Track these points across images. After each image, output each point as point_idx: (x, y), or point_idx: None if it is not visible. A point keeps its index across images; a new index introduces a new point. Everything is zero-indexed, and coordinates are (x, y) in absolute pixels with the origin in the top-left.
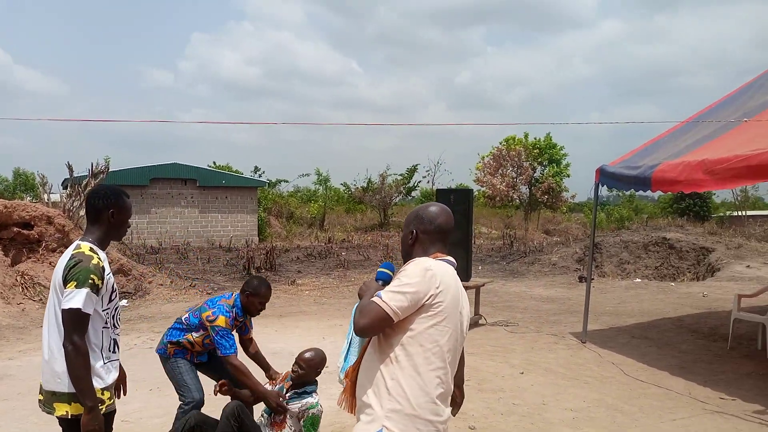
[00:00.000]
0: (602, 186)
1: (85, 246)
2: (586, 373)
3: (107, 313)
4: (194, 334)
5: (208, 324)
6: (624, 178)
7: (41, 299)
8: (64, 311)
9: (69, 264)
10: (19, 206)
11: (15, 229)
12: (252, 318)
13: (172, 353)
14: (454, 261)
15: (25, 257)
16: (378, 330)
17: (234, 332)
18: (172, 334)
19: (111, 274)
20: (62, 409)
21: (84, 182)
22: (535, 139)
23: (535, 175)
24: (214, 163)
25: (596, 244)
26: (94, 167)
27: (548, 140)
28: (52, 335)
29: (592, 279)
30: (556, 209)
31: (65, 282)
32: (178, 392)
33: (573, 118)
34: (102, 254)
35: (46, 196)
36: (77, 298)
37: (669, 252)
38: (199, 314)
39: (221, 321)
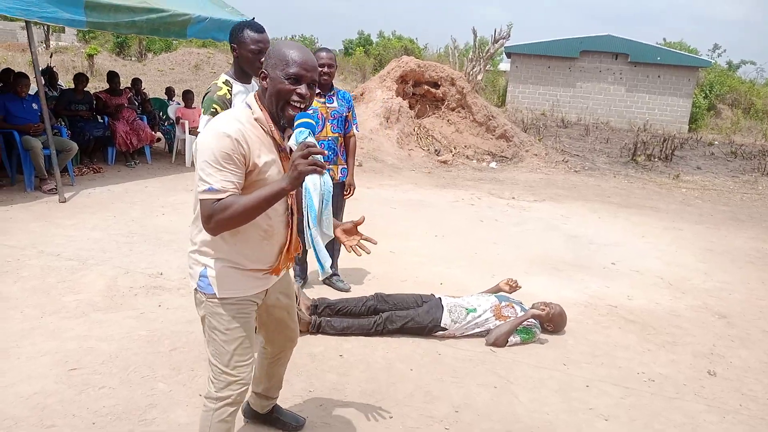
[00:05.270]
0: None
1: (222, 78)
2: None
3: None
4: None
5: None
6: None
7: (428, 149)
8: None
9: (205, 93)
10: (430, 67)
11: (426, 87)
12: (356, 116)
13: None
14: None
15: (429, 113)
16: None
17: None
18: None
19: None
20: None
21: (486, 48)
22: None
23: None
24: (664, 39)
25: None
26: (496, 33)
27: None
28: None
29: None
30: None
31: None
32: None
33: None
34: (237, 86)
35: (451, 60)
36: (202, 123)
37: None
38: None
39: None
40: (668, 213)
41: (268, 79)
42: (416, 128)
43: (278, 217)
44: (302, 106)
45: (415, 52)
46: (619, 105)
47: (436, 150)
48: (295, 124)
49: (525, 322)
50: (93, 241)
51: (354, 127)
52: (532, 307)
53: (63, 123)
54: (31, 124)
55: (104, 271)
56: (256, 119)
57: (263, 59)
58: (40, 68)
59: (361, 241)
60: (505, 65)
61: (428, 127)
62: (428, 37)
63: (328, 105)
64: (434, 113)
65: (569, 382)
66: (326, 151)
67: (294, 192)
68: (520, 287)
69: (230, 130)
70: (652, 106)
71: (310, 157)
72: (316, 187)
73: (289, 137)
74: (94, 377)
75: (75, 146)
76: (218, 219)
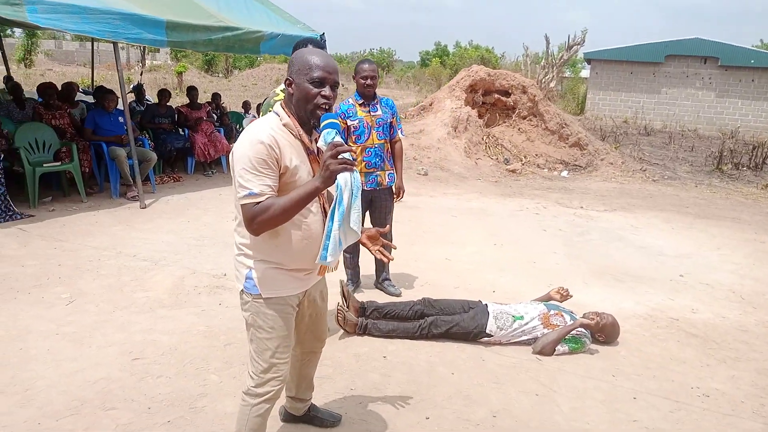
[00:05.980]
0: None
1: (280, 86)
2: None
3: None
4: None
5: None
6: None
7: (497, 158)
8: None
9: (263, 100)
10: (501, 75)
11: (496, 95)
12: (400, 122)
13: None
14: None
15: (499, 122)
16: None
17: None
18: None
19: None
20: None
21: (559, 55)
22: None
23: None
24: (761, 41)
25: None
26: (570, 39)
27: None
28: None
29: None
30: None
31: None
32: None
33: None
34: None
35: (523, 68)
36: None
37: None
38: None
39: None
40: (751, 224)
41: (293, 86)
42: (485, 137)
43: (312, 216)
44: (327, 107)
45: (492, 61)
46: (708, 111)
47: (505, 159)
48: (321, 125)
49: (574, 332)
50: (167, 243)
51: (399, 131)
52: (582, 317)
53: (147, 135)
54: (117, 136)
55: (173, 271)
56: (284, 125)
57: (288, 67)
58: (134, 85)
59: (383, 246)
60: (586, 72)
61: (497, 136)
62: (506, 45)
63: (372, 113)
64: (504, 122)
65: (615, 394)
66: (353, 148)
67: (325, 192)
68: (571, 296)
69: (263, 137)
70: (745, 112)
71: (340, 156)
72: (347, 183)
73: (316, 140)
74: (153, 367)
75: (155, 156)
76: (260, 220)
